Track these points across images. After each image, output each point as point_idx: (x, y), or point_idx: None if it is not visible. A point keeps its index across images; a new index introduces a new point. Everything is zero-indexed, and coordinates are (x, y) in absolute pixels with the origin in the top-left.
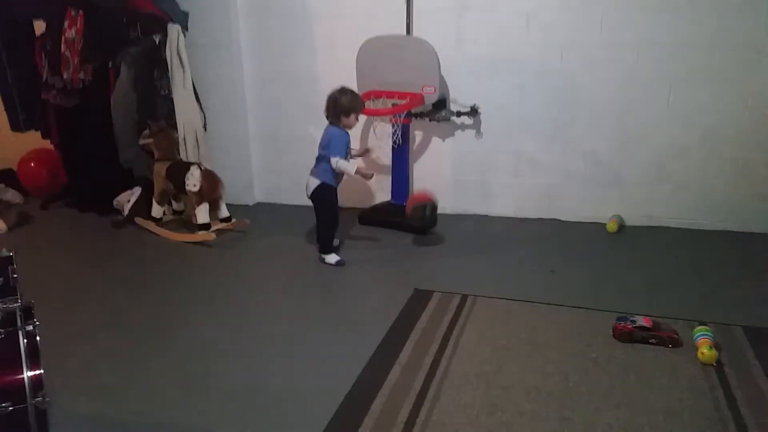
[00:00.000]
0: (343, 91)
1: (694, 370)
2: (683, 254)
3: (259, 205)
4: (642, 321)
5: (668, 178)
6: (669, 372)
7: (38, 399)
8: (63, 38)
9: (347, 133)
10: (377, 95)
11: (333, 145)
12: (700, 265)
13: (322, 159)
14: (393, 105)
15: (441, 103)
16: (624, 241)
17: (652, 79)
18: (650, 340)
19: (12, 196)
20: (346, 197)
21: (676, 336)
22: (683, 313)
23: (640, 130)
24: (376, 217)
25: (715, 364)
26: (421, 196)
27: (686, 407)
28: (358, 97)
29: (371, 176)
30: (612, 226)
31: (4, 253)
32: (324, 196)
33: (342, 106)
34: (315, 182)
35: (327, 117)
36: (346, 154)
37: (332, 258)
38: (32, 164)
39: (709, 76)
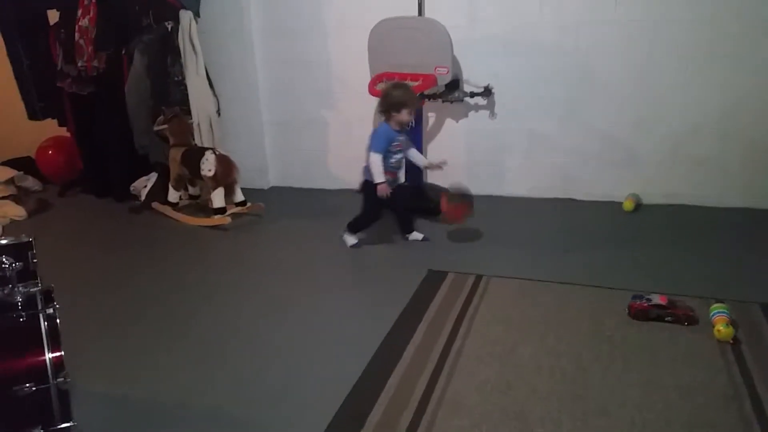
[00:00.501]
0: (396, 85)
1: (710, 347)
2: (700, 232)
3: (274, 189)
4: (658, 299)
5: (685, 157)
6: (684, 350)
7: (60, 380)
8: (77, 27)
9: (395, 131)
10: (390, 77)
11: (373, 139)
12: (717, 243)
13: (367, 153)
14: None
15: (454, 84)
16: (640, 219)
17: (668, 57)
18: (666, 318)
19: (31, 183)
20: (358, 180)
21: (692, 314)
22: (699, 290)
23: (656, 108)
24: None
25: (731, 341)
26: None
27: (701, 385)
28: (411, 91)
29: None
30: (628, 205)
31: (24, 238)
32: (369, 191)
33: (393, 101)
34: (363, 177)
35: (380, 112)
36: (386, 152)
37: (350, 239)
38: (50, 152)
39: (725, 54)
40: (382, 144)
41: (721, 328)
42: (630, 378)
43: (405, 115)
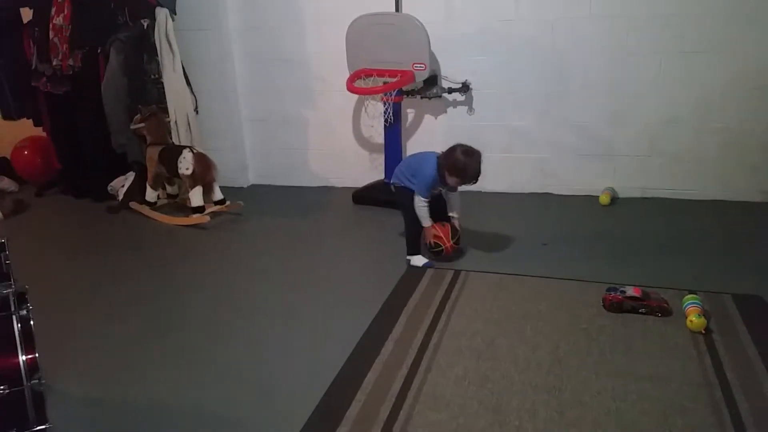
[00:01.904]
0: (469, 152)
1: (683, 338)
2: (674, 224)
3: (254, 187)
4: (632, 291)
5: (660, 150)
6: (658, 340)
7: (34, 381)
8: (51, 25)
9: (439, 182)
10: (368, 74)
11: (419, 179)
12: (691, 235)
13: (408, 175)
14: (384, 83)
15: (432, 80)
16: (616, 213)
17: (643, 51)
18: (640, 310)
19: (7, 184)
20: (338, 177)
21: (665, 305)
22: (673, 282)
23: (632, 102)
24: (370, 195)
25: (703, 331)
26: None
27: (675, 374)
28: (477, 167)
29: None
30: (604, 199)
31: None
32: (406, 201)
33: (458, 166)
34: (400, 182)
35: (438, 158)
36: (428, 196)
37: (419, 260)
38: (26, 152)
39: (699, 47)
40: (425, 190)
41: (693, 318)
42: (605, 368)
43: (453, 182)
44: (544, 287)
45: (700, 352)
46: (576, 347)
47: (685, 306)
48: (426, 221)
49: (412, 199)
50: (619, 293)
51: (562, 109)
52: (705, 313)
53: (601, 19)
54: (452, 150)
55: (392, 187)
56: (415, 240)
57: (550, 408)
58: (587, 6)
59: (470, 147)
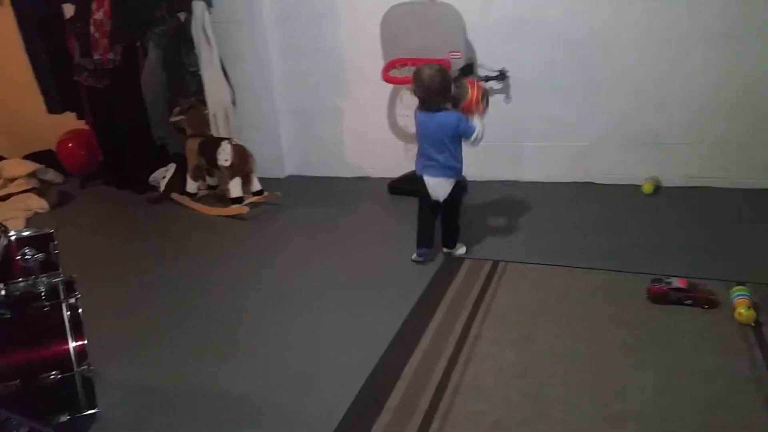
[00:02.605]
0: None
1: (731, 330)
2: (721, 214)
3: (290, 178)
4: (677, 282)
5: (706, 137)
6: (705, 333)
7: (84, 368)
8: (92, 20)
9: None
10: (402, 63)
11: (457, 124)
12: (738, 224)
13: (443, 150)
14: None
15: (468, 69)
16: (660, 202)
17: (688, 35)
18: (686, 302)
19: (53, 175)
20: (374, 167)
21: (712, 297)
22: (721, 273)
23: (676, 88)
24: (406, 186)
25: (753, 324)
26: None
27: (722, 368)
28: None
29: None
30: (647, 188)
31: (46, 230)
32: (460, 192)
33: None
34: (447, 184)
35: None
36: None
37: (462, 248)
38: (70, 145)
39: (748, 30)
40: (465, 120)
41: (742, 311)
42: (649, 362)
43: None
44: (586, 278)
45: (750, 345)
46: (619, 339)
47: (733, 297)
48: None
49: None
50: (664, 284)
51: (603, 95)
52: (754, 305)
53: (643, 3)
54: (432, 85)
55: (447, 192)
56: (458, 227)
57: (592, 401)
58: None
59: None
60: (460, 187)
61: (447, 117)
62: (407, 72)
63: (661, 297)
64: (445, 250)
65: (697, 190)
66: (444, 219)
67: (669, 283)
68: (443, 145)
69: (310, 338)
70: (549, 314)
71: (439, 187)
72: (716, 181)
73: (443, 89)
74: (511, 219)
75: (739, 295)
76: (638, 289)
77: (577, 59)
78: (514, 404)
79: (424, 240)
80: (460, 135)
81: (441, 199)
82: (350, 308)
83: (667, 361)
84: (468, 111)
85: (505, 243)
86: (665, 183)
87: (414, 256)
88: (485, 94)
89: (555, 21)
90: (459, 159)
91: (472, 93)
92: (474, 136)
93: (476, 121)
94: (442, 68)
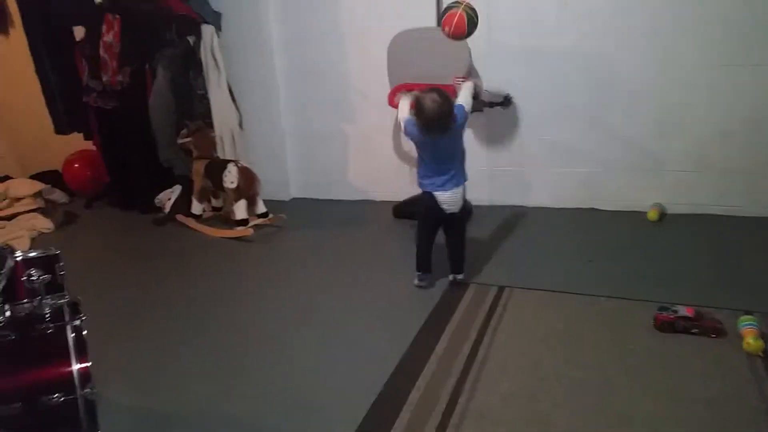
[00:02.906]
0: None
1: (739, 360)
2: (727, 242)
3: (295, 201)
4: (684, 311)
5: (711, 165)
6: (712, 362)
7: (87, 390)
8: (101, 42)
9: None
10: (409, 88)
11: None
12: (745, 253)
13: (454, 158)
14: None
15: (474, 94)
16: (665, 229)
17: (692, 63)
18: (692, 331)
19: (58, 196)
20: (378, 191)
21: (719, 326)
22: (728, 302)
23: (681, 115)
24: (410, 209)
25: (762, 354)
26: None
27: (730, 398)
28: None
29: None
30: (653, 215)
31: (52, 251)
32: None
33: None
34: (462, 190)
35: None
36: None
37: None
38: (76, 165)
39: (753, 59)
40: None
41: (750, 341)
42: (656, 390)
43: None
44: (591, 305)
45: (758, 376)
46: (625, 367)
47: (741, 327)
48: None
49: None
50: (671, 313)
51: (608, 122)
52: (763, 335)
53: (648, 31)
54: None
55: (460, 205)
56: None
57: (598, 428)
58: (635, 16)
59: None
60: (468, 202)
61: (448, 141)
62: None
63: (667, 325)
64: (451, 277)
65: (701, 217)
66: (452, 239)
67: (676, 312)
68: (455, 153)
69: (313, 362)
70: (555, 341)
71: (456, 197)
72: (721, 209)
73: (451, 111)
74: (517, 244)
75: (747, 324)
76: (645, 317)
77: (582, 86)
78: (520, 430)
79: (425, 264)
80: (463, 131)
81: (457, 211)
82: (354, 332)
83: (674, 390)
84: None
85: (510, 268)
86: (670, 210)
87: (416, 281)
88: (472, 19)
89: (561, 48)
90: (464, 157)
91: (453, 18)
92: (465, 113)
93: (461, 98)
94: (441, 91)
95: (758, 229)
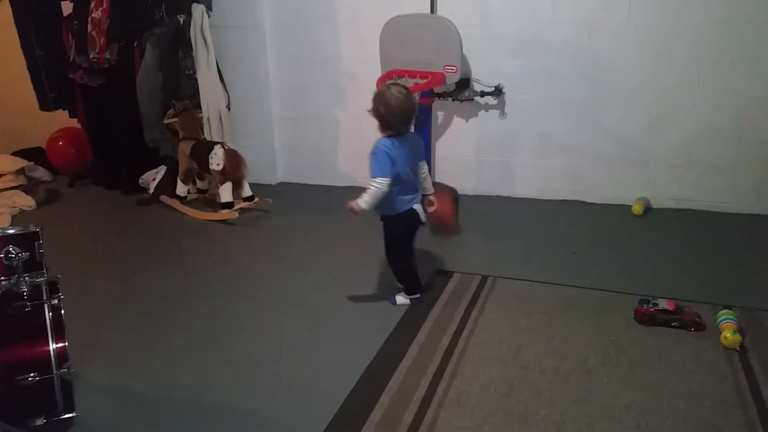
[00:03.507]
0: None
1: (717, 354)
2: (710, 237)
3: (282, 185)
4: (664, 304)
5: (697, 161)
6: (690, 356)
7: (63, 370)
8: (89, 18)
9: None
10: (399, 74)
11: (374, 159)
12: (726, 249)
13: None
14: (414, 84)
15: (464, 83)
16: (649, 223)
17: (683, 59)
18: (672, 324)
19: (41, 173)
20: (366, 177)
21: (698, 319)
22: (708, 296)
23: (670, 110)
24: None
25: (738, 348)
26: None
27: (707, 391)
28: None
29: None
30: (638, 209)
31: (31, 228)
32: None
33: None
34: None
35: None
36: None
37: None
38: (60, 143)
39: (741, 56)
40: (385, 164)
41: (728, 335)
42: (635, 382)
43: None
44: (574, 297)
45: (735, 369)
46: (605, 359)
47: (720, 321)
48: (369, 204)
49: (392, 229)
50: (651, 306)
51: (597, 115)
52: (740, 330)
53: (640, 26)
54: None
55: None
56: (411, 280)
57: (577, 420)
58: (626, 11)
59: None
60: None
61: (415, 136)
62: (404, 83)
63: (647, 318)
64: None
65: (686, 212)
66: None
67: (656, 305)
68: (414, 166)
69: (295, 347)
70: (536, 332)
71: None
72: (705, 204)
73: (414, 109)
74: (501, 235)
75: (725, 319)
76: (625, 310)
77: (572, 79)
78: (499, 421)
79: (418, 282)
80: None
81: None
82: (338, 318)
83: (653, 382)
84: (439, 221)
85: (494, 258)
86: (654, 204)
87: (416, 297)
88: (457, 202)
89: (553, 41)
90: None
91: (443, 206)
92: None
93: (380, 181)
94: (404, 86)
95: (740, 225)
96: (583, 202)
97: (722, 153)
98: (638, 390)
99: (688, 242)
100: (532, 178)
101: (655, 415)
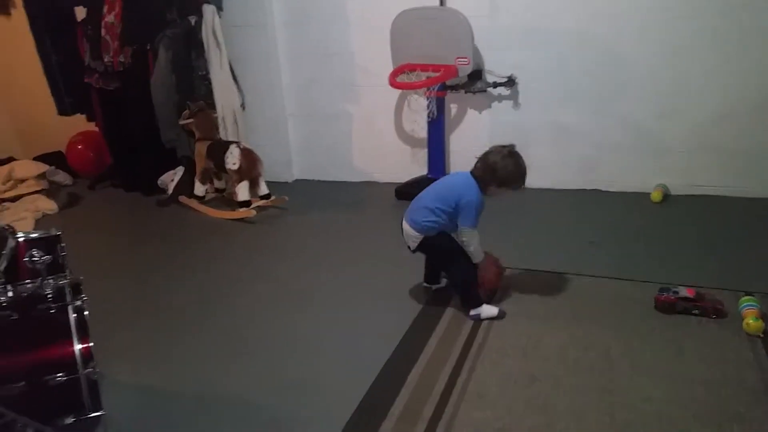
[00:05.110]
0: (510, 153)
1: (739, 341)
2: (730, 223)
3: (298, 182)
4: (685, 292)
5: (713, 146)
6: (712, 343)
7: (89, 370)
8: (103, 23)
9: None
10: (411, 68)
11: (465, 210)
12: (746, 235)
13: (440, 211)
14: (427, 78)
15: (477, 75)
16: (668, 210)
17: (695, 44)
18: (693, 311)
19: (62, 177)
20: (381, 172)
21: (720, 307)
22: (729, 283)
23: (684, 97)
24: (414, 191)
25: (762, 335)
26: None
27: (730, 379)
28: (523, 165)
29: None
30: (656, 196)
31: (53, 232)
32: (441, 239)
33: (507, 175)
34: (421, 233)
35: (474, 173)
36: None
37: (489, 310)
38: (80, 146)
39: (755, 42)
40: (476, 218)
41: (750, 321)
42: (657, 371)
43: (499, 194)
44: (593, 286)
45: (758, 356)
46: (626, 348)
47: (742, 308)
48: (482, 252)
49: (454, 243)
50: (671, 294)
51: (611, 103)
52: (763, 316)
53: (651, 12)
54: (491, 159)
55: (414, 244)
56: (475, 289)
57: (599, 411)
58: (636, 1)
59: (501, 146)
60: (436, 242)
61: (472, 198)
62: (416, 77)
63: (668, 306)
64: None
65: (704, 198)
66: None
67: (676, 293)
68: (437, 201)
69: (314, 342)
70: (555, 322)
71: (407, 230)
72: (724, 189)
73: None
74: (519, 226)
75: (747, 305)
76: (645, 298)
77: (585, 67)
78: (520, 413)
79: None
80: (457, 210)
81: (409, 244)
82: (356, 313)
83: (675, 371)
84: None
85: (513, 250)
86: (674, 191)
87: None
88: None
89: (564, 29)
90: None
91: (489, 270)
92: (464, 235)
93: (472, 231)
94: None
95: (758, 210)
96: (600, 191)
97: (738, 137)
98: (660, 379)
99: (707, 228)
100: (548, 169)
101: (677, 405)
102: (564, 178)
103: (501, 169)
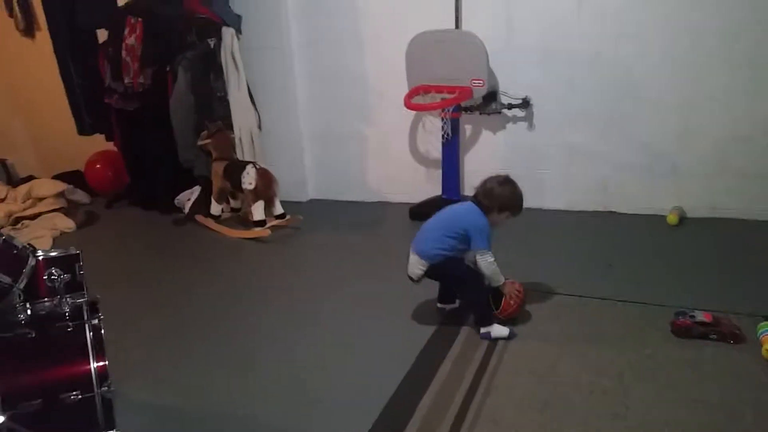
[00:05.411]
0: (505, 181)
1: (758, 367)
2: (746, 247)
3: (313, 202)
4: (702, 316)
5: (730, 167)
6: (730, 369)
7: (104, 388)
8: (123, 45)
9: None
10: (426, 90)
11: (477, 235)
12: (765, 258)
13: (451, 238)
14: (442, 99)
15: (491, 96)
16: (685, 233)
17: (711, 65)
18: (710, 336)
19: (80, 196)
20: (395, 192)
21: (737, 331)
22: (747, 307)
23: (700, 118)
24: (428, 211)
25: None
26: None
27: (749, 405)
28: (520, 192)
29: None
30: (673, 218)
31: (72, 250)
32: (453, 263)
33: (505, 201)
34: (433, 260)
35: (475, 200)
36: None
37: (500, 330)
38: (98, 166)
39: None
40: (488, 241)
41: None
42: (673, 397)
43: (501, 220)
44: (608, 310)
45: None
46: (642, 373)
47: (761, 333)
48: (501, 276)
49: (463, 265)
50: (688, 318)
51: (627, 125)
52: None
53: (667, 33)
54: (489, 185)
55: (423, 273)
56: (486, 308)
57: None
58: (652, 20)
59: (497, 175)
60: (449, 266)
61: (479, 223)
62: (431, 99)
63: (685, 331)
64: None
65: (721, 221)
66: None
67: (693, 317)
68: (444, 229)
69: (327, 362)
70: (570, 346)
71: (412, 261)
72: (741, 212)
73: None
74: (533, 248)
75: (766, 331)
76: (661, 323)
77: (600, 88)
78: None
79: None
80: (467, 237)
81: (410, 275)
82: (369, 333)
83: (691, 397)
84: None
85: (527, 272)
86: (690, 214)
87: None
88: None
89: (579, 50)
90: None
91: (511, 297)
92: (480, 261)
93: (489, 255)
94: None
95: None
96: (615, 213)
97: (754, 159)
98: (677, 405)
99: (724, 252)
100: (562, 190)
101: (694, 431)
102: (579, 200)
103: (500, 195)
